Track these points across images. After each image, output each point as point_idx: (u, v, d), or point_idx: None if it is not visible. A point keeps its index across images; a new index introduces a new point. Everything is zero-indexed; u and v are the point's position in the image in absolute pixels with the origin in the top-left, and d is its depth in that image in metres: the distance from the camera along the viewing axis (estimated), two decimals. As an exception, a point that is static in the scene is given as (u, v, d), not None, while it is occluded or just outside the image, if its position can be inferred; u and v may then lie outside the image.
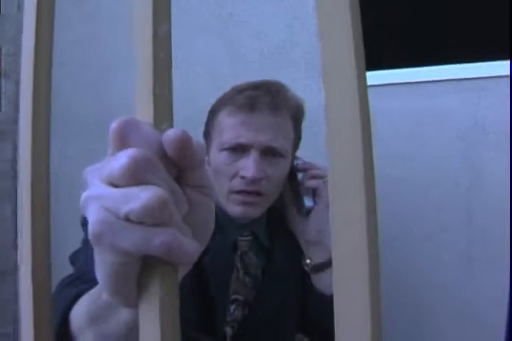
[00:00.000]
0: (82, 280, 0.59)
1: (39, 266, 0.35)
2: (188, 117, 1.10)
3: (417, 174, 1.28)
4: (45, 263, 0.36)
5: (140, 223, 0.25)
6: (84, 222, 0.83)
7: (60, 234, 1.33)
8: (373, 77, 1.25)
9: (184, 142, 0.26)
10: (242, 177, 0.85)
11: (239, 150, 0.86)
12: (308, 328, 1.02)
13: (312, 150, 0.98)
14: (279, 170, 0.90)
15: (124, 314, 0.37)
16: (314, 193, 0.94)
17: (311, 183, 0.92)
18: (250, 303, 0.93)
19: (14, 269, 1.53)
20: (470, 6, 1.27)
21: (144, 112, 0.28)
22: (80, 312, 0.47)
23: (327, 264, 0.92)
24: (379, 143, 1.31)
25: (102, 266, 0.28)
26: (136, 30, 0.31)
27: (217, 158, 0.88)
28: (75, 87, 1.59)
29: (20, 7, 1.66)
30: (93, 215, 0.26)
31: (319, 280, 0.93)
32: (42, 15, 0.45)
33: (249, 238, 0.94)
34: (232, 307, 0.91)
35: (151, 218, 0.25)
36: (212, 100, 0.95)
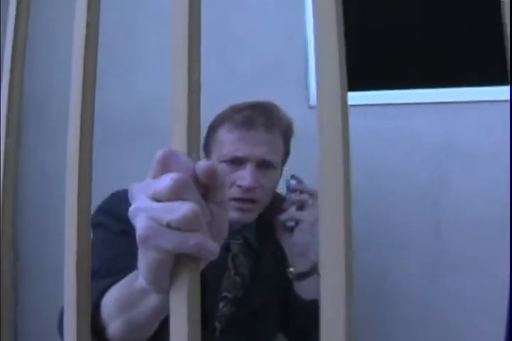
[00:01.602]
0: (100, 275, 0.67)
1: (83, 259, 0.44)
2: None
3: (389, 188, 1.38)
4: (87, 257, 0.45)
5: (177, 229, 0.34)
6: (96, 223, 0.90)
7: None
8: (354, 97, 1.35)
9: (212, 171, 0.35)
10: (239, 186, 0.95)
11: (236, 162, 0.96)
12: (288, 329, 1.11)
13: (298, 162, 1.09)
14: (271, 180, 1.00)
15: (152, 300, 0.46)
16: (301, 207, 1.03)
17: (300, 197, 1.02)
18: (238, 301, 1.02)
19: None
20: (446, 33, 1.37)
21: (180, 145, 0.37)
22: (110, 301, 0.55)
23: (308, 273, 1.01)
24: (357, 158, 1.41)
25: (145, 261, 0.37)
26: (172, 79, 0.40)
27: None
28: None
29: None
30: (141, 223, 0.35)
31: (300, 287, 1.02)
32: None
33: (240, 241, 1.03)
34: (221, 304, 1.00)
35: (187, 225, 0.34)
36: (205, 114, 1.04)
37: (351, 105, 1.14)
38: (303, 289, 1.02)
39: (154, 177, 0.36)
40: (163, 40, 1.57)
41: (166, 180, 0.34)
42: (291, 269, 1.03)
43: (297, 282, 1.02)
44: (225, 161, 0.97)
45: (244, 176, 0.95)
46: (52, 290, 1.14)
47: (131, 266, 0.59)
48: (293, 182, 1.05)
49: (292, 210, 1.02)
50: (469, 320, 1.31)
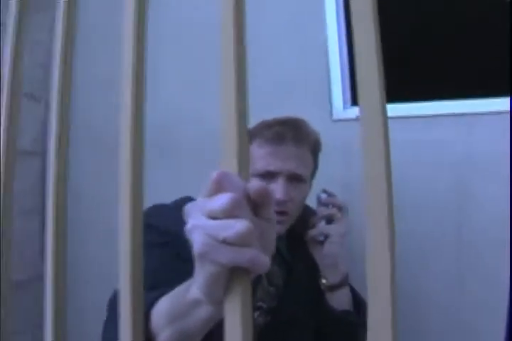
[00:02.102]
0: (146, 287, 0.70)
1: (137, 272, 0.47)
2: (212, 141, 1.23)
3: (412, 198, 1.41)
4: (139, 272, 0.48)
5: (233, 245, 0.37)
6: (152, 227, 0.92)
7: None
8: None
9: (264, 191, 0.39)
10: None
11: (268, 176, 1.00)
12: (320, 339, 1.14)
13: (322, 174, 1.12)
14: (301, 193, 1.04)
15: (203, 311, 0.49)
16: (330, 221, 1.06)
17: (329, 211, 1.05)
18: (273, 311, 1.05)
19: (37, 277, 1.64)
20: (467, 47, 1.41)
21: (231, 166, 0.40)
22: (161, 311, 0.58)
23: (340, 285, 1.06)
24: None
25: (202, 274, 0.40)
26: (222, 105, 0.43)
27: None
28: (95, 105, 1.72)
29: (51, 33, 1.79)
30: (198, 239, 0.38)
31: (332, 298, 1.07)
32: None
33: (273, 253, 1.07)
34: (256, 314, 1.03)
35: (241, 241, 0.37)
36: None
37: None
38: (335, 300, 1.06)
39: (209, 197, 0.39)
40: (185, 59, 1.64)
41: (222, 200, 0.37)
42: (324, 281, 1.06)
43: (329, 293, 1.06)
44: (257, 175, 1.00)
45: (277, 190, 0.99)
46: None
47: (171, 279, 0.62)
48: (323, 195, 1.08)
49: (322, 225, 1.05)
50: (492, 325, 1.33)
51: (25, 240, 1.65)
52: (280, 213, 1.00)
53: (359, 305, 1.10)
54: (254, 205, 0.40)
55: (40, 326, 1.57)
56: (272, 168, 1.00)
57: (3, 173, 0.64)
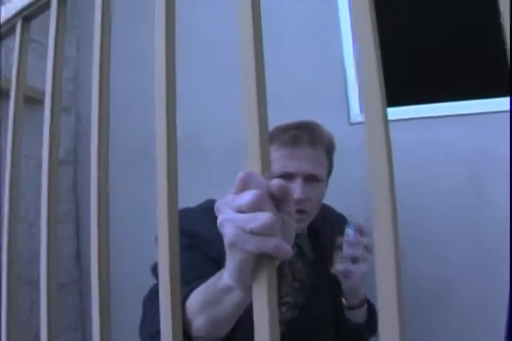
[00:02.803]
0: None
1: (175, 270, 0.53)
2: (233, 149, 1.30)
3: (429, 196, 1.45)
4: (176, 266, 0.54)
5: (259, 234, 0.43)
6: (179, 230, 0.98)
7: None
8: (394, 112, 1.43)
9: (285, 187, 0.44)
10: None
11: (286, 177, 1.04)
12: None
13: (341, 175, 1.17)
14: (318, 192, 1.09)
15: (234, 296, 0.55)
16: (355, 261, 1.07)
17: (354, 252, 1.06)
18: (300, 306, 1.11)
19: (73, 281, 1.72)
20: (474, 48, 1.44)
21: (255, 167, 0.46)
22: (195, 301, 0.65)
23: (357, 306, 1.12)
24: (397, 168, 1.48)
25: (233, 261, 0.46)
26: (246, 115, 0.49)
27: None
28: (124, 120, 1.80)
29: (78, 50, 1.88)
30: (229, 231, 0.44)
31: (350, 314, 1.14)
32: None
33: (296, 249, 1.12)
34: (283, 309, 1.08)
35: (266, 231, 0.43)
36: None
37: (393, 120, 1.23)
38: (352, 315, 1.14)
39: (237, 194, 0.45)
40: (202, 71, 1.72)
41: (248, 196, 0.43)
42: (344, 301, 1.12)
43: (348, 311, 1.12)
44: (276, 177, 1.05)
45: (295, 189, 1.03)
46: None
47: (199, 276, 0.68)
48: (351, 232, 1.07)
49: (346, 264, 1.06)
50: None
51: (60, 246, 1.73)
52: (299, 212, 1.05)
53: (373, 315, 1.16)
54: (276, 201, 0.46)
55: (75, 327, 1.65)
56: (289, 169, 1.05)
57: (46, 182, 0.70)
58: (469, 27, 1.47)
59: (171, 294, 0.52)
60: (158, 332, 0.49)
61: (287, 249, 0.44)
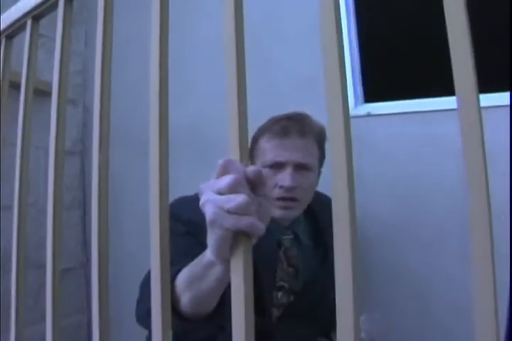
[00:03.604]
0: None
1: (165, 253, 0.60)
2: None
3: (421, 188, 1.50)
4: (167, 256, 0.60)
5: (235, 213, 0.49)
6: (177, 217, 1.02)
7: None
8: (387, 106, 1.48)
9: (259, 172, 0.50)
10: (281, 187, 1.09)
11: (277, 166, 1.11)
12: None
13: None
14: (308, 180, 1.14)
15: (216, 270, 0.61)
16: None
17: None
18: (296, 292, 1.17)
19: (79, 266, 1.79)
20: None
21: (235, 155, 0.52)
22: (181, 279, 0.71)
23: None
24: (391, 162, 1.53)
25: (213, 237, 0.52)
26: (227, 109, 0.55)
27: None
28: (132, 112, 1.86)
29: (87, 44, 1.95)
30: (209, 210, 0.50)
31: None
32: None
33: (291, 237, 1.19)
34: (279, 294, 1.15)
35: (241, 211, 0.49)
36: (252, 126, 1.20)
37: (387, 114, 1.29)
38: None
39: (217, 178, 0.51)
40: (209, 67, 1.78)
41: (226, 180, 0.49)
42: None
43: None
44: (267, 166, 1.11)
45: (285, 178, 1.09)
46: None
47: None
48: (367, 326, 1.10)
49: None
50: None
51: (67, 232, 1.81)
52: (290, 199, 1.11)
53: None
54: (252, 185, 0.52)
55: (81, 310, 1.73)
56: (279, 158, 1.10)
57: (53, 172, 0.76)
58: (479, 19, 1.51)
59: (161, 273, 0.57)
60: (150, 309, 0.54)
61: (260, 227, 0.50)
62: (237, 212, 0.49)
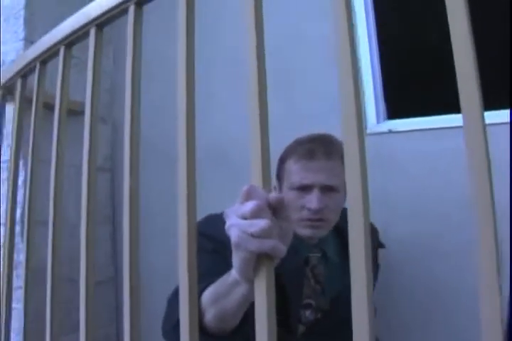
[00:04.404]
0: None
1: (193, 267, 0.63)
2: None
3: (439, 199, 1.51)
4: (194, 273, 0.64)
5: (258, 237, 0.53)
6: (204, 234, 1.04)
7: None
8: (401, 124, 1.50)
9: (280, 199, 0.54)
10: (309, 209, 1.10)
11: (304, 188, 1.11)
12: None
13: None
14: (335, 201, 1.14)
15: (241, 289, 0.65)
16: None
17: None
18: (323, 309, 1.18)
19: (108, 279, 1.84)
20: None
21: (258, 181, 0.56)
22: (207, 295, 0.75)
23: None
24: (407, 176, 1.54)
25: (238, 259, 0.55)
26: (251, 138, 0.59)
27: (287, 195, 1.13)
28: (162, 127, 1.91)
29: (115, 63, 2.01)
30: (234, 234, 0.54)
31: None
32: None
33: (319, 255, 1.20)
34: (307, 312, 1.17)
35: (264, 234, 0.52)
36: (276, 148, 1.22)
37: (401, 131, 1.32)
38: None
39: (241, 203, 0.55)
40: (232, 86, 1.81)
41: (250, 205, 0.52)
42: None
43: None
44: (294, 188, 1.12)
45: (312, 200, 1.09)
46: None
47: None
48: None
49: None
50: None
51: (97, 247, 1.86)
52: (317, 220, 1.12)
53: None
54: (274, 209, 0.55)
55: (110, 323, 1.77)
56: (305, 181, 1.11)
57: (86, 188, 0.81)
58: (479, 38, 1.52)
59: (189, 290, 0.60)
60: (177, 324, 0.57)
61: (282, 249, 0.53)
62: (260, 235, 0.52)
